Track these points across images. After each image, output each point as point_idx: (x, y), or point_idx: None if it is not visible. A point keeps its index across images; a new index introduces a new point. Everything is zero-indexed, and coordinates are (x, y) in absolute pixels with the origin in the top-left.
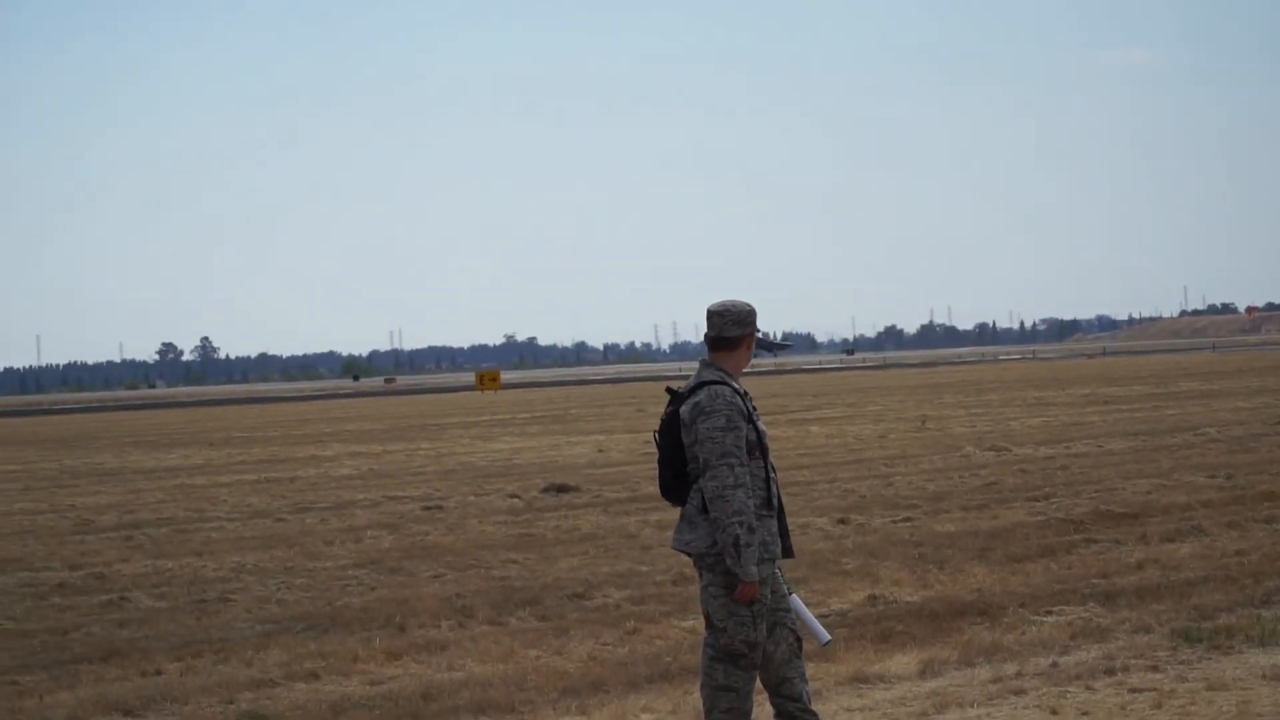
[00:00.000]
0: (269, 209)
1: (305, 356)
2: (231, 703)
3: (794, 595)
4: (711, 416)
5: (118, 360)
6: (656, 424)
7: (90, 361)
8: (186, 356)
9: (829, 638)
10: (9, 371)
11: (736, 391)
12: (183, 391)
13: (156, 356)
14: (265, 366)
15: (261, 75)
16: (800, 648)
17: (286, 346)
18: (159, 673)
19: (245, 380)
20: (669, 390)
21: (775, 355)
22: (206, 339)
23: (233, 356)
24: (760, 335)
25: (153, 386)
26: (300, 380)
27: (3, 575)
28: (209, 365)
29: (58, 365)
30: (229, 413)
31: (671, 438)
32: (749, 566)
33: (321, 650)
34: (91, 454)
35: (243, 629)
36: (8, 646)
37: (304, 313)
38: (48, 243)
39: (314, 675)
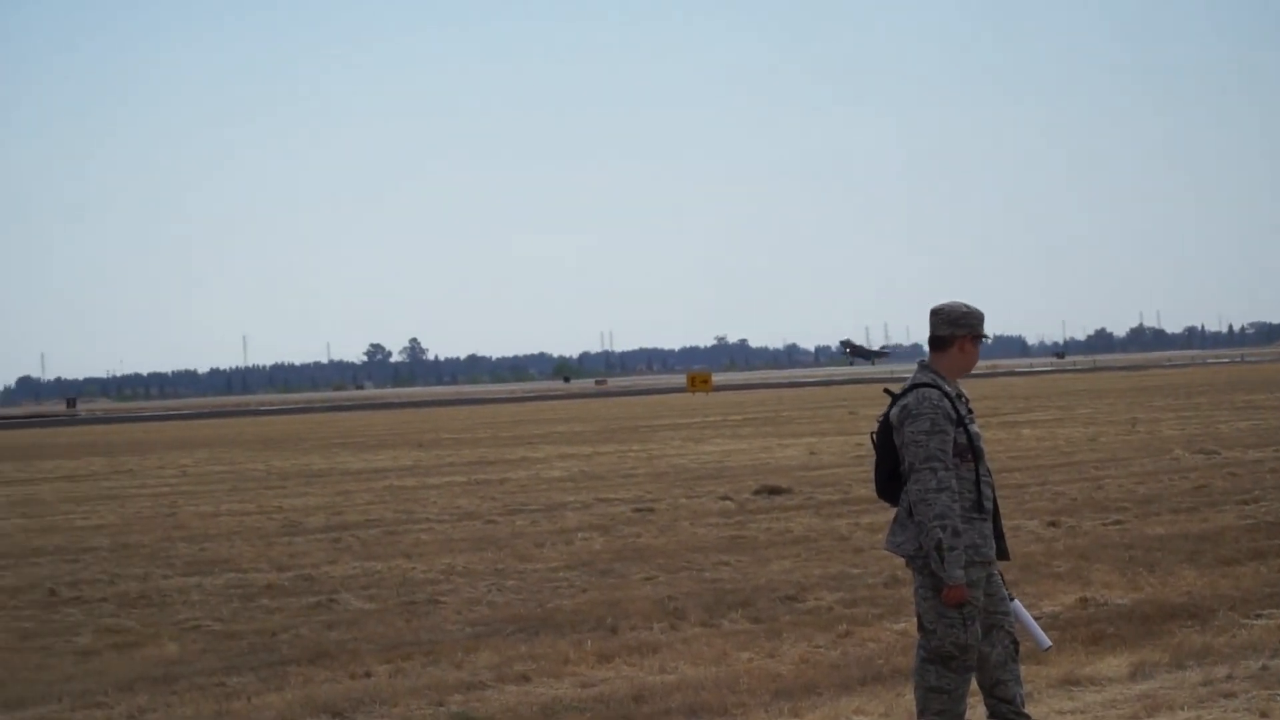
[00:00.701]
0: (477, 210)
1: (515, 358)
2: (441, 705)
3: (1015, 601)
4: (917, 420)
5: (325, 361)
6: (869, 426)
7: (298, 363)
8: (395, 358)
9: (1049, 644)
10: (216, 372)
11: (946, 394)
12: (391, 393)
13: (365, 357)
14: (475, 368)
15: (453, 73)
16: (1017, 651)
17: (496, 348)
18: (368, 675)
19: (454, 382)
20: (887, 392)
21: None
22: (415, 340)
23: (442, 358)
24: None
25: (361, 388)
26: (510, 382)
27: (211, 577)
28: (417, 366)
29: (264, 366)
30: (438, 414)
31: (886, 439)
32: (953, 570)
33: (532, 652)
34: (299, 455)
35: (453, 631)
36: (215, 648)
37: (514, 314)
38: (254, 245)
39: (525, 677)
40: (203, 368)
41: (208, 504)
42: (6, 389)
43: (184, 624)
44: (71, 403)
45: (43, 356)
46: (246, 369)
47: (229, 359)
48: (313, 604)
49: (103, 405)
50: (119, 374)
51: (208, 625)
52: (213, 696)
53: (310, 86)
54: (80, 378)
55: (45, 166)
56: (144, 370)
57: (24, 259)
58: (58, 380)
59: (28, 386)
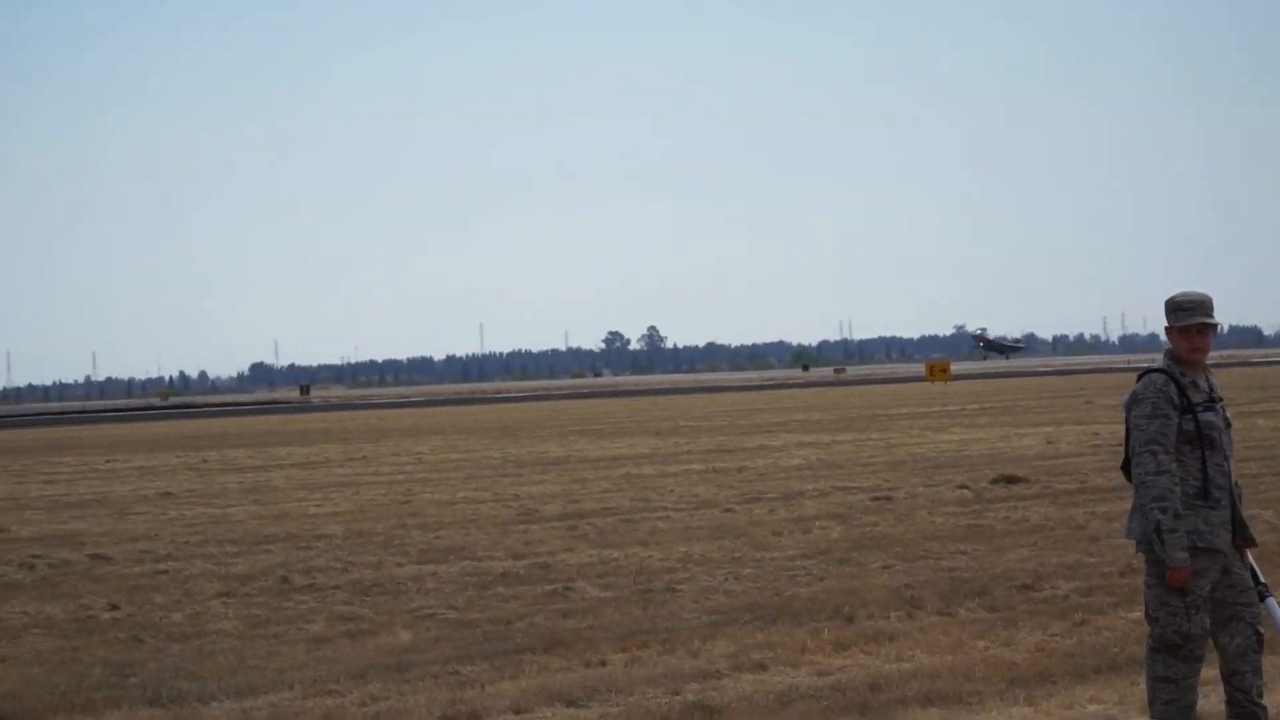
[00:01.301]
0: (715, 198)
1: (754, 346)
2: (677, 694)
3: (1270, 599)
4: (1140, 404)
5: (563, 349)
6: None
7: (535, 350)
8: (633, 345)
9: None
10: (453, 359)
11: (1174, 379)
12: (629, 380)
13: (603, 345)
14: (713, 356)
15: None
16: (1260, 643)
17: (735, 336)
18: (603, 663)
19: (692, 369)
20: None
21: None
22: (654, 328)
23: (680, 346)
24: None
25: (599, 375)
26: (749, 370)
27: (446, 564)
28: (655, 354)
29: (501, 353)
30: (676, 402)
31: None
32: (1174, 552)
33: (769, 641)
34: (536, 443)
35: (689, 619)
36: (450, 636)
37: (753, 303)
38: (489, 235)
39: (761, 666)
40: (439, 355)
41: (443, 491)
42: (240, 375)
43: (418, 612)
44: (305, 389)
45: (276, 343)
46: (484, 356)
47: (466, 346)
48: (548, 592)
49: (336, 392)
50: (353, 361)
51: (442, 613)
52: (445, 685)
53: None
54: (314, 364)
55: (271, 157)
56: (379, 357)
57: (257, 246)
58: (291, 367)
59: (261, 373)
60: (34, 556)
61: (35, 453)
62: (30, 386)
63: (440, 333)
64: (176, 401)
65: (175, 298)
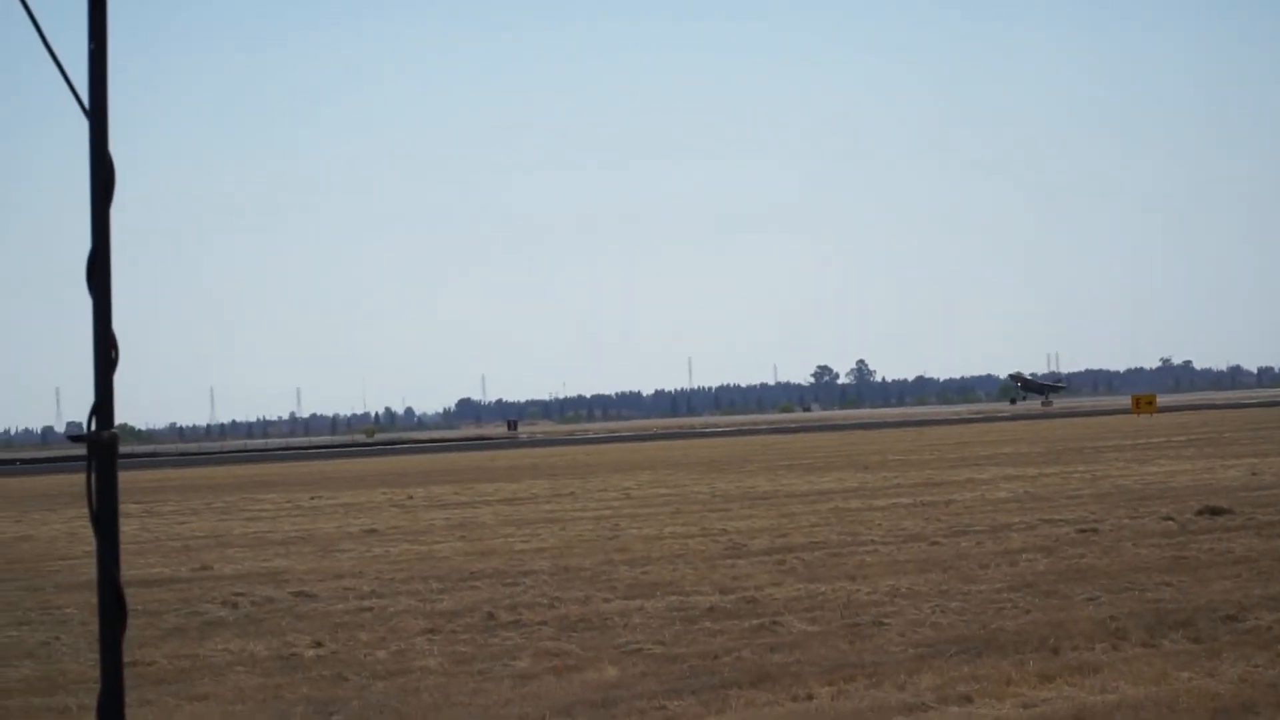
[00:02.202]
0: (923, 231)
1: (962, 379)
2: None
3: None
4: None
5: (772, 383)
6: None
7: (743, 384)
8: (842, 379)
9: None
10: (661, 394)
11: None
12: (838, 414)
13: (812, 379)
14: (921, 389)
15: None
16: None
17: (943, 369)
18: (810, 697)
19: (901, 403)
20: None
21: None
22: (862, 362)
23: (889, 379)
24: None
25: (808, 409)
26: (957, 403)
27: (653, 599)
28: (864, 388)
29: (710, 388)
30: (884, 436)
31: None
32: None
33: (975, 673)
34: (744, 477)
35: (895, 653)
36: (657, 671)
37: (961, 335)
38: (699, 271)
39: (966, 698)
40: (647, 389)
41: (650, 526)
42: (447, 411)
43: (624, 647)
44: (513, 425)
45: (483, 378)
46: (692, 390)
47: (675, 381)
48: (755, 626)
49: (544, 427)
50: (561, 396)
51: (649, 649)
52: None
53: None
54: (521, 400)
55: (476, 193)
56: (586, 392)
57: (464, 283)
58: (498, 402)
59: (468, 408)
60: (237, 594)
61: (239, 490)
62: (234, 423)
63: (649, 368)
64: (382, 438)
65: (382, 334)
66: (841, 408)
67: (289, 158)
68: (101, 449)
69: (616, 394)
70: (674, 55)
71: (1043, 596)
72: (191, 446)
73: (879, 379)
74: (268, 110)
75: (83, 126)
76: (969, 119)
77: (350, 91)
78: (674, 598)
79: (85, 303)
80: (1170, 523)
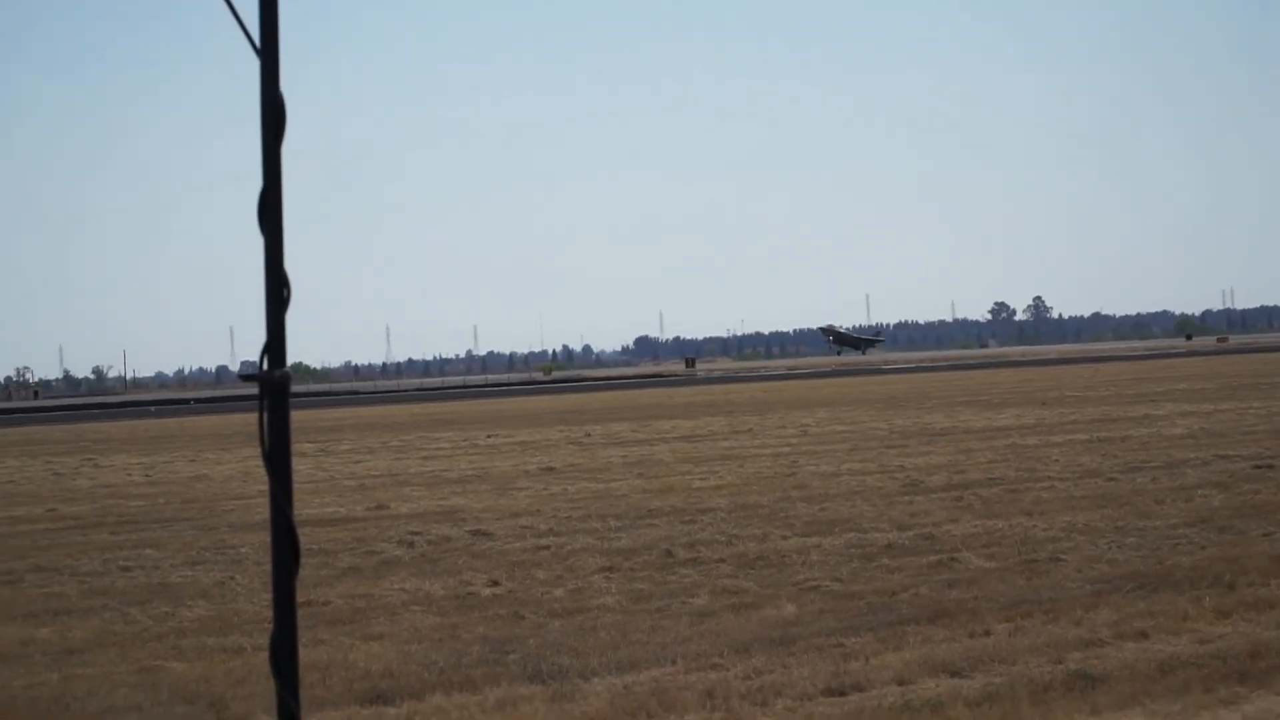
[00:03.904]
0: (1104, 162)
1: (1138, 316)
2: (1060, 662)
3: None
4: None
5: (950, 320)
6: None
7: (921, 321)
8: (1019, 316)
9: None
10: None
11: None
12: (1015, 350)
13: (989, 316)
14: (1098, 326)
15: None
16: None
17: (1120, 306)
18: (987, 633)
19: (1078, 340)
20: None
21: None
22: (1039, 299)
23: (1065, 316)
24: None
25: (985, 346)
26: (1132, 339)
27: (831, 536)
28: (1041, 325)
29: (888, 325)
30: (1061, 372)
31: None
32: None
33: (1150, 609)
34: (922, 414)
35: (1072, 589)
36: (834, 609)
37: (1138, 272)
38: (874, 205)
39: (1143, 634)
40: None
41: (828, 463)
42: (625, 348)
43: (802, 585)
44: (691, 362)
45: (661, 315)
46: (871, 327)
47: (852, 317)
48: (933, 563)
49: (721, 364)
50: (739, 333)
51: (826, 586)
52: (830, 657)
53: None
54: (699, 337)
55: (648, 126)
56: (764, 329)
57: (641, 219)
58: (676, 339)
59: (646, 346)
60: (413, 533)
61: (415, 428)
62: (411, 361)
63: (826, 304)
64: (559, 375)
65: (560, 271)
66: (1019, 344)
67: (465, 93)
68: (274, 388)
69: (794, 331)
70: None
71: (1218, 532)
72: (367, 385)
73: (1055, 315)
74: (442, 44)
75: (253, 64)
76: (1140, 46)
77: (531, 19)
78: (852, 534)
79: (258, 241)
80: None
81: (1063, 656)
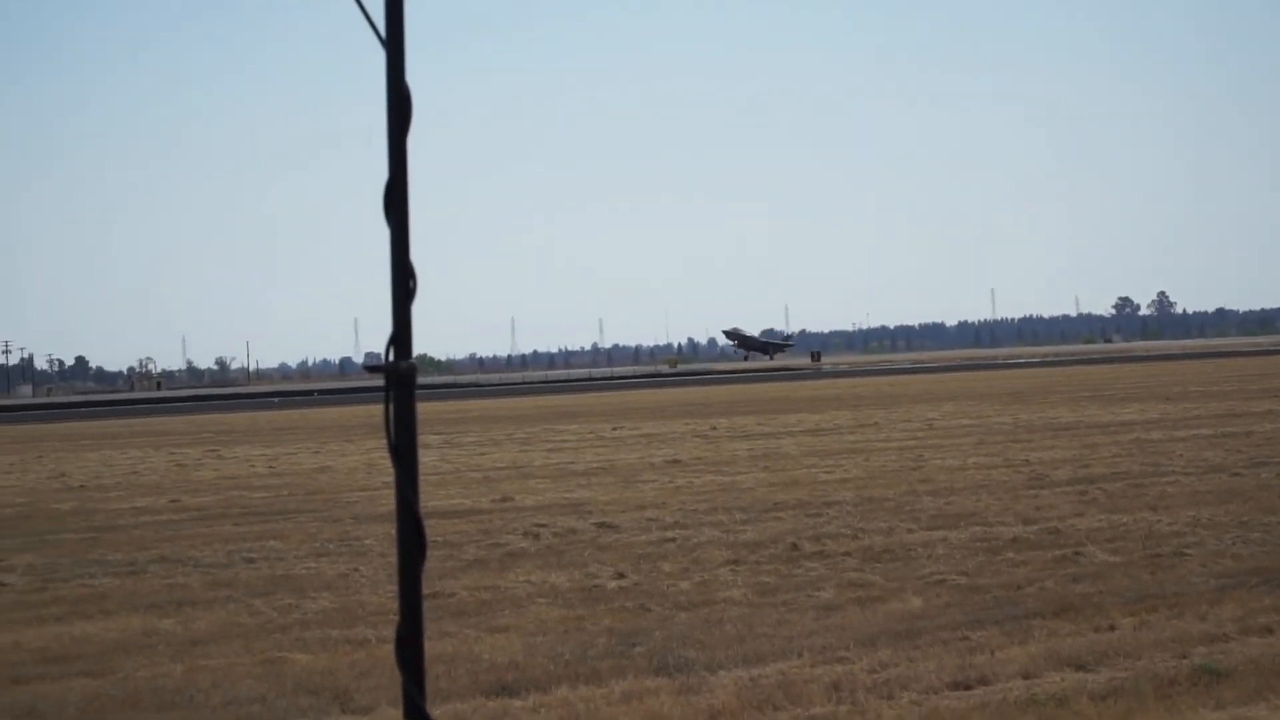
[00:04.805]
0: (1222, 159)
1: (1263, 311)
2: (1185, 657)
3: None
4: None
5: (1073, 314)
6: None
7: (1046, 316)
8: (1143, 311)
9: None
10: (965, 325)
11: None
12: (1139, 346)
13: (1113, 310)
14: (1221, 321)
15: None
16: None
17: (1244, 301)
18: (1112, 628)
19: (1202, 335)
20: None
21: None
22: (1163, 294)
23: (1189, 311)
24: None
25: (1109, 341)
26: (1257, 334)
27: (955, 530)
28: (1165, 320)
29: (1012, 319)
30: (1185, 367)
31: None
32: None
33: (1276, 605)
34: (1046, 408)
35: (1196, 584)
36: (960, 602)
37: (1263, 267)
38: (996, 197)
39: (1268, 630)
40: (950, 321)
41: (953, 457)
42: None
43: (928, 578)
44: (816, 356)
45: (787, 309)
46: (995, 322)
47: (977, 312)
48: (1058, 557)
49: (848, 358)
50: (865, 327)
51: (952, 579)
52: (955, 650)
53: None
54: (825, 330)
55: (781, 126)
56: (890, 323)
57: (771, 214)
58: (802, 333)
59: (773, 340)
60: (539, 525)
61: (540, 420)
62: (536, 354)
63: (953, 299)
64: (684, 369)
65: (685, 264)
66: (1143, 339)
67: (589, 87)
68: (399, 379)
69: (919, 325)
70: None
71: None
72: (492, 377)
73: (1179, 310)
74: (567, 37)
75: (379, 56)
76: (1266, 42)
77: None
78: (977, 528)
79: (383, 233)
80: None
81: (1187, 651)
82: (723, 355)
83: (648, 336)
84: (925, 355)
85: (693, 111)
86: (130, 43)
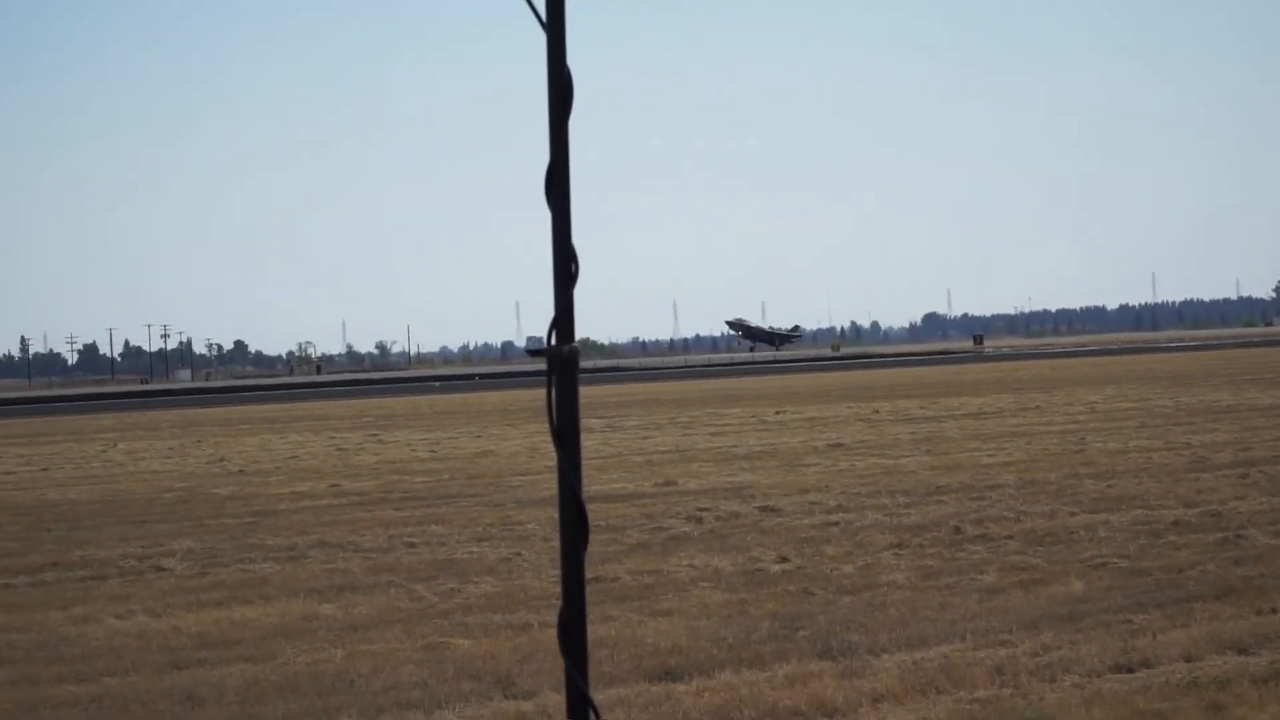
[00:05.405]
0: None
1: None
2: None
3: None
4: None
5: (1234, 298)
6: None
7: (1206, 299)
8: None
9: None
10: (1125, 309)
11: None
12: None
13: (1274, 294)
14: None
15: None
16: None
17: None
18: (1274, 610)
19: None
20: None
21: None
22: None
23: None
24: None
25: (1269, 324)
26: None
27: (1117, 513)
28: None
29: (1174, 303)
30: None
31: None
32: None
33: None
34: (1208, 391)
35: None
36: (1121, 585)
37: None
38: (1161, 183)
39: None
40: (1111, 304)
41: (1115, 440)
42: (912, 325)
43: (1090, 561)
44: (978, 339)
45: (949, 292)
46: (1155, 305)
47: (1138, 295)
48: (1219, 540)
49: (1010, 341)
50: (1026, 310)
51: (1114, 562)
52: (1117, 633)
53: None
54: (987, 314)
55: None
56: (1052, 306)
57: (932, 196)
58: (964, 316)
59: (934, 323)
60: (702, 509)
61: (703, 405)
62: (698, 337)
63: (1114, 282)
64: (848, 352)
65: (847, 246)
66: None
67: (751, 68)
68: (562, 363)
69: (1080, 308)
70: None
71: None
72: (654, 361)
73: None
74: (729, 16)
75: (540, 39)
76: None
77: None
78: (1139, 511)
79: (545, 217)
80: None
81: None
82: (885, 339)
83: (809, 320)
84: (1086, 338)
85: (847, 92)
86: (302, 36)
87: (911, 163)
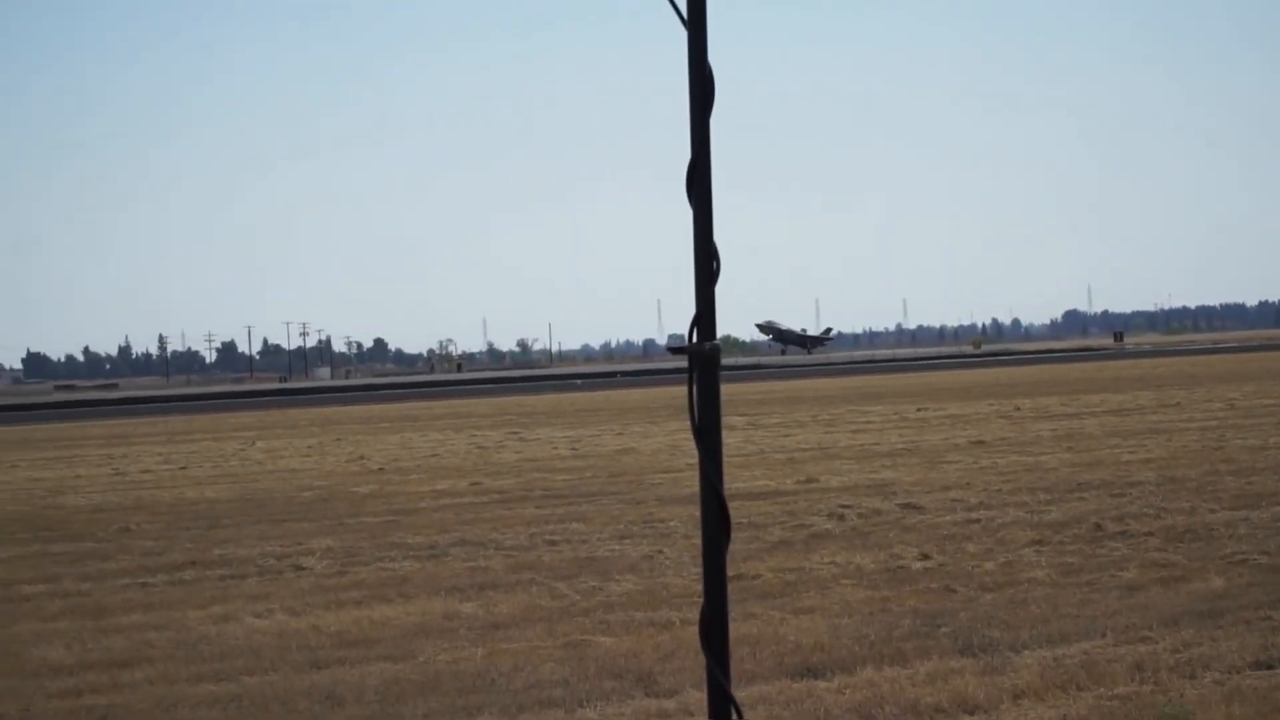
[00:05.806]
0: None
1: None
2: None
3: None
4: None
5: None
6: None
7: None
8: None
9: None
10: (1265, 305)
11: None
12: None
13: None
14: None
15: None
16: None
17: None
18: None
19: None
20: None
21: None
22: None
23: None
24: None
25: None
26: None
27: (1259, 510)
28: None
29: None
30: None
31: None
32: None
33: None
34: None
35: None
36: (1263, 582)
37: None
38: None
39: None
40: (1251, 301)
41: (1255, 437)
42: (1054, 322)
43: (1230, 558)
44: (1119, 336)
45: (1089, 289)
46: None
47: (1279, 292)
48: None
49: (1150, 338)
50: (1167, 307)
51: (1255, 559)
52: (1258, 630)
53: None
54: (1128, 311)
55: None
56: (1192, 303)
57: (1070, 192)
58: (1104, 313)
59: (1075, 320)
60: (843, 506)
61: (845, 401)
62: (840, 335)
63: (1252, 279)
64: (989, 349)
65: (989, 245)
66: None
67: (882, 62)
68: (703, 360)
69: (1220, 305)
70: None
71: None
72: (795, 358)
73: None
74: (862, 18)
75: (682, 37)
76: None
77: None
78: (1279, 509)
79: (686, 214)
80: None
81: None
82: (1026, 336)
83: (951, 317)
84: (1226, 335)
85: (981, 90)
86: (432, 38)
87: (1056, 162)
